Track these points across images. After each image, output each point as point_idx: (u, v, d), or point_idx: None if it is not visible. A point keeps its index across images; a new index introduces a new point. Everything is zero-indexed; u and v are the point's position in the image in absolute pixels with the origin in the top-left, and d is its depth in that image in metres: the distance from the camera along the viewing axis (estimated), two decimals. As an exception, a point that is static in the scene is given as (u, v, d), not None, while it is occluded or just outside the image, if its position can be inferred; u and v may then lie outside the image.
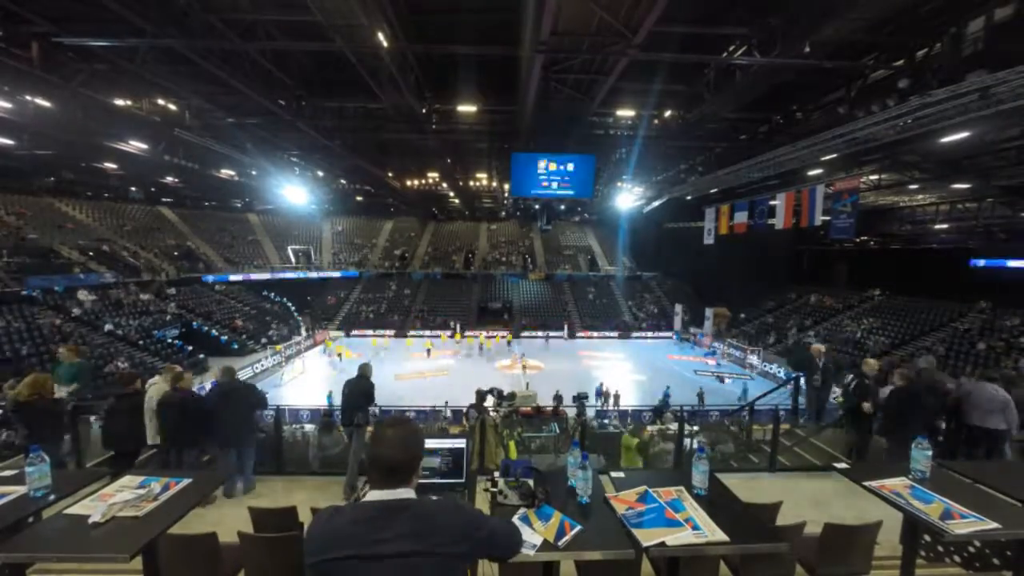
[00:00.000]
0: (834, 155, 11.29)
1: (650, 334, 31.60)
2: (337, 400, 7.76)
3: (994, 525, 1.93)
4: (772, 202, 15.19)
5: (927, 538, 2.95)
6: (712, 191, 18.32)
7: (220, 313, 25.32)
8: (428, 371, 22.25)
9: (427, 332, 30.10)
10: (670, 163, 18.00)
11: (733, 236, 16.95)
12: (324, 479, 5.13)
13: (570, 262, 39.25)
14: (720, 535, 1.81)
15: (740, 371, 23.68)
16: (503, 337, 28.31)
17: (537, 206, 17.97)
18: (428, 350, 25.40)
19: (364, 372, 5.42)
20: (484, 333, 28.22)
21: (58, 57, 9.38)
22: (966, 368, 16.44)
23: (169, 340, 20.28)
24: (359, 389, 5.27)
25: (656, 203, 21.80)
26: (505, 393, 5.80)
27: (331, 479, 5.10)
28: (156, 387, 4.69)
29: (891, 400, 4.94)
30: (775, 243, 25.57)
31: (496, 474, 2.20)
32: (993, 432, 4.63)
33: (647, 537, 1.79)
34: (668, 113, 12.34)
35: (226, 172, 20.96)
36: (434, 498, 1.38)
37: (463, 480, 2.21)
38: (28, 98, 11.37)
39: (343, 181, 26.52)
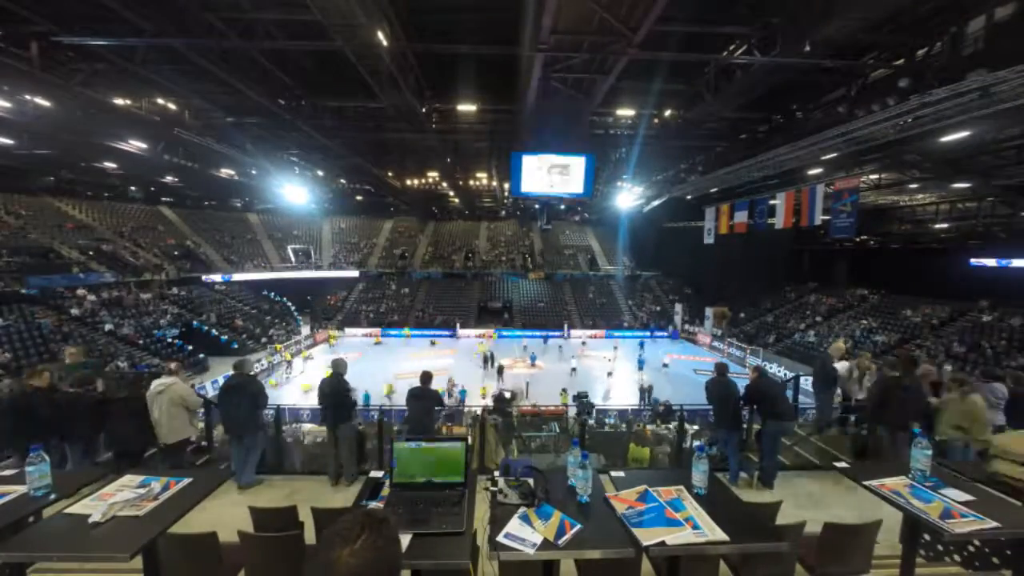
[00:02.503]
0: (834, 154, 11.29)
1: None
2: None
3: (993, 524, 1.93)
4: (772, 201, 15.19)
5: (927, 537, 2.95)
6: (712, 191, 18.30)
7: (220, 313, 25.33)
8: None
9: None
10: (670, 162, 18.00)
11: (733, 236, 16.95)
12: (324, 478, 5.13)
13: (570, 262, 39.24)
14: (720, 534, 1.81)
15: (740, 370, 23.68)
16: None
17: (537, 206, 18.00)
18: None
19: (339, 369, 5.31)
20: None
21: (57, 56, 9.39)
22: (965, 367, 16.45)
23: (169, 340, 20.28)
24: (338, 388, 5.20)
25: (656, 203, 21.80)
26: (507, 395, 5.87)
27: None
28: (178, 386, 4.71)
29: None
30: (775, 243, 25.55)
31: (496, 473, 2.20)
32: (997, 428, 4.72)
33: (647, 536, 1.79)
34: (668, 112, 12.34)
35: (226, 171, 20.95)
36: None
37: (463, 480, 2.21)
38: (27, 97, 11.37)
39: (343, 181, 26.51)
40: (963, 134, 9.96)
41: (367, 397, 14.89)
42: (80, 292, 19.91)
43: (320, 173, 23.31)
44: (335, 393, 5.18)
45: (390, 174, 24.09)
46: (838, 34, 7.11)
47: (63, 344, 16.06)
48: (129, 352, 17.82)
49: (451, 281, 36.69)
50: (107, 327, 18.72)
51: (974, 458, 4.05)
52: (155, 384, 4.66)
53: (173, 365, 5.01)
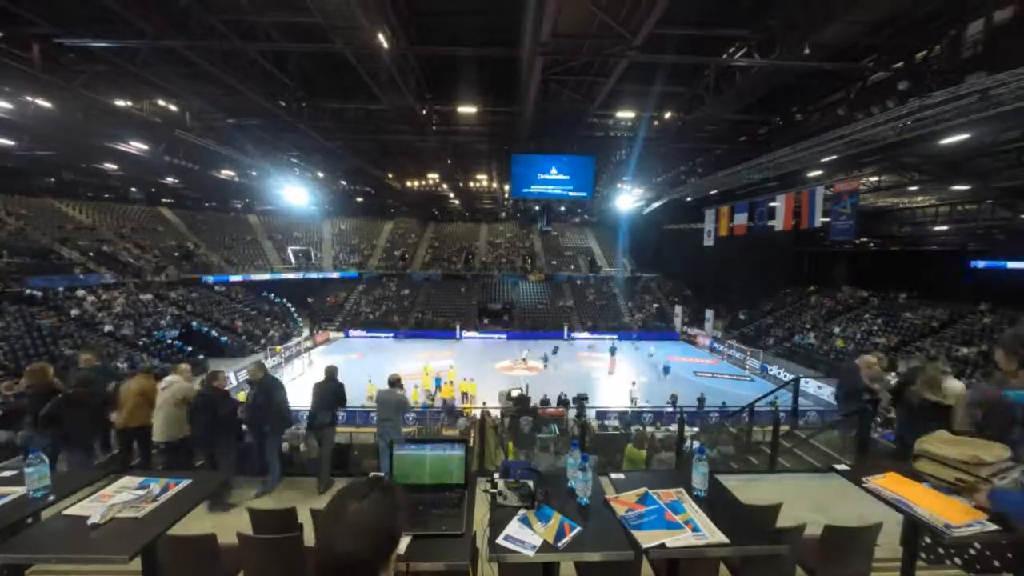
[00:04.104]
0: (834, 157, 11.30)
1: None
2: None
3: (994, 527, 1.93)
4: (772, 204, 15.20)
5: (927, 540, 2.94)
6: (712, 193, 18.34)
7: (220, 313, 25.33)
8: (429, 371, 22.19)
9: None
10: (670, 164, 18.02)
11: (733, 238, 16.95)
12: (324, 480, 5.11)
13: (570, 263, 39.26)
14: (720, 537, 1.81)
15: (740, 372, 23.68)
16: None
17: (537, 207, 18.03)
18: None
19: (331, 374, 5.43)
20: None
21: (59, 58, 9.40)
22: (966, 369, 16.45)
23: (169, 340, 20.27)
24: (328, 391, 5.24)
25: (656, 204, 21.83)
26: (513, 395, 5.83)
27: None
28: (178, 385, 4.79)
29: None
30: (775, 245, 25.57)
31: (496, 475, 2.20)
32: None
33: (647, 539, 1.79)
34: (668, 115, 12.36)
35: (226, 173, 20.98)
36: None
37: (463, 481, 2.21)
38: (28, 99, 11.39)
39: (343, 182, 26.55)
40: (962, 137, 9.97)
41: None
42: (80, 293, 19.92)
43: (320, 175, 23.34)
44: (328, 397, 5.20)
45: (390, 176, 24.11)
46: (837, 37, 7.13)
47: (63, 344, 16.08)
48: (129, 353, 17.81)
49: (451, 283, 36.69)
50: (107, 328, 18.72)
51: None
52: (163, 380, 4.87)
53: (184, 366, 5.21)
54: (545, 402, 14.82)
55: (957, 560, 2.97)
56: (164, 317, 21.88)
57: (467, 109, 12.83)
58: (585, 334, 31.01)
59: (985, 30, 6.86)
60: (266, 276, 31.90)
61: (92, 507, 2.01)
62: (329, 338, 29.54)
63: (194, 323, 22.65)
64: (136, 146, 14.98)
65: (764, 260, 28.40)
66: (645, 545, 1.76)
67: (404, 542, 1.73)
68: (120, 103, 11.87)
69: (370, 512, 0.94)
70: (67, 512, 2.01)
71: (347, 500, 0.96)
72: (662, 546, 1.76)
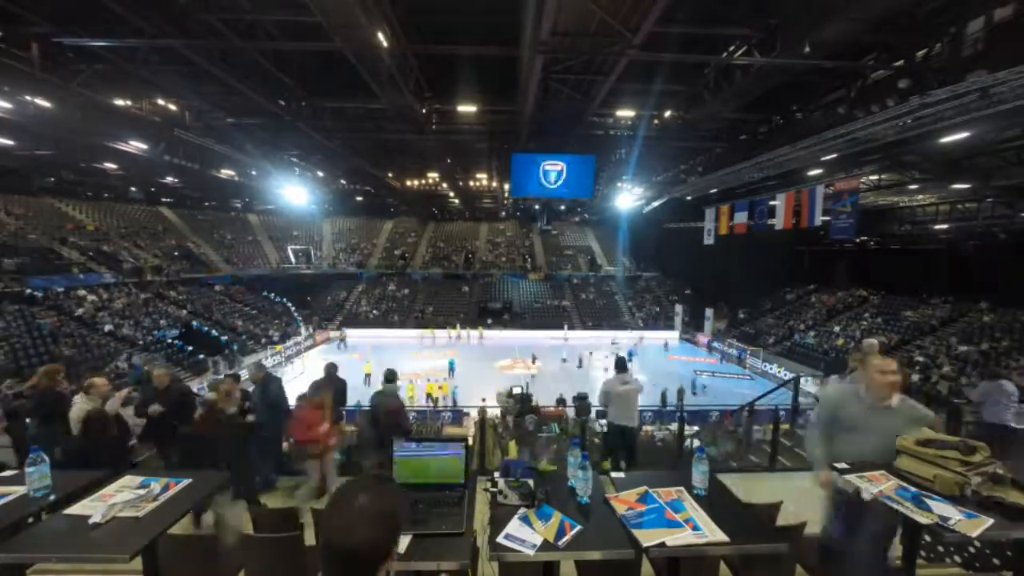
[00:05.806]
0: (834, 155, 11.28)
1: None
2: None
3: (991, 523, 1.92)
4: (772, 202, 15.19)
5: (927, 538, 2.94)
6: (712, 191, 18.31)
7: (220, 313, 25.32)
8: (428, 370, 22.22)
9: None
10: (670, 163, 18.02)
11: (733, 236, 16.94)
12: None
13: (570, 262, 39.25)
14: (720, 535, 1.81)
15: (739, 371, 23.69)
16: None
17: (537, 206, 18.02)
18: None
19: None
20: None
21: (58, 57, 9.39)
22: (965, 367, 16.45)
23: (169, 340, 20.28)
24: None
25: (656, 203, 21.82)
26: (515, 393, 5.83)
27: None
28: (79, 407, 3.84)
29: None
30: (775, 243, 25.58)
31: (496, 474, 2.20)
32: (1009, 428, 4.70)
33: (647, 537, 1.79)
34: (668, 113, 12.35)
35: (226, 172, 20.97)
36: None
37: (463, 480, 2.21)
38: (28, 98, 11.37)
39: (343, 181, 26.55)
40: (963, 135, 9.95)
41: (357, 406, 14.93)
42: (80, 293, 19.92)
43: (320, 174, 23.33)
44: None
45: (390, 175, 24.11)
46: (838, 35, 7.12)
47: (63, 344, 16.06)
48: (129, 353, 17.81)
49: (451, 282, 36.67)
50: (107, 328, 18.72)
51: None
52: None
53: (97, 380, 4.02)
54: (561, 400, 14.83)
55: (957, 558, 2.97)
56: (164, 317, 21.89)
57: (467, 108, 12.83)
58: (585, 333, 31.00)
59: (985, 28, 6.85)
60: (266, 275, 31.90)
61: (93, 506, 2.01)
62: (329, 337, 29.54)
63: (194, 322, 22.66)
64: (136, 145, 14.95)
65: (764, 259, 28.41)
66: (645, 544, 1.76)
67: (404, 541, 1.73)
68: (119, 102, 11.87)
69: (379, 501, 0.96)
70: (68, 511, 2.01)
71: (355, 491, 0.97)
72: (662, 545, 1.76)
